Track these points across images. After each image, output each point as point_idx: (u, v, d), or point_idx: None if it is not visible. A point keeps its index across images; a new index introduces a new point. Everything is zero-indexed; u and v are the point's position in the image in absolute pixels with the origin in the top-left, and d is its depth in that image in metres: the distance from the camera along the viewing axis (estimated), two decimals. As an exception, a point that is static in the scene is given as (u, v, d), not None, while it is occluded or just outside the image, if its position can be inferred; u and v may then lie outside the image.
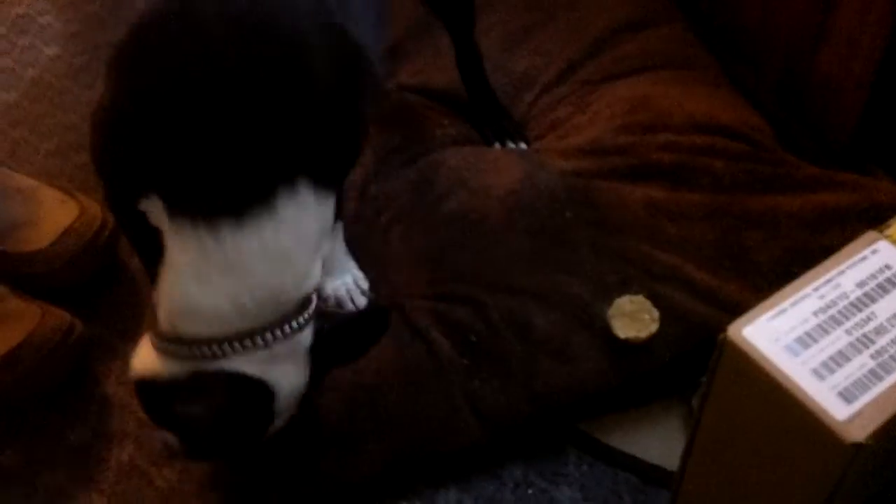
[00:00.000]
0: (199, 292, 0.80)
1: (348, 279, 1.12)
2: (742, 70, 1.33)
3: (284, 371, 0.85)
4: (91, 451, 1.03)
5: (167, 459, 1.01)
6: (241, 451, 0.93)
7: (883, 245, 0.77)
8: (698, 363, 0.81)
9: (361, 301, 1.11)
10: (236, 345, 0.81)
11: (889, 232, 0.78)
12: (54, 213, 1.12)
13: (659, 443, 1.02)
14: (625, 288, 1.07)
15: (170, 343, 0.83)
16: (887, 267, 0.75)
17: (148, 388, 0.86)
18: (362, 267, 1.13)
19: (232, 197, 0.78)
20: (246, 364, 0.83)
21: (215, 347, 0.81)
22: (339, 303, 1.11)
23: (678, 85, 1.29)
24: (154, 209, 0.81)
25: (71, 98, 1.34)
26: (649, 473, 1.01)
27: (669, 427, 1.03)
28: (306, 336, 0.86)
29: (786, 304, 0.73)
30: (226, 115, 0.77)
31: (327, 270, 1.10)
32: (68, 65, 1.37)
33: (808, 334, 0.71)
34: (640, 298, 1.05)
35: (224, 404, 0.83)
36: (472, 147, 1.26)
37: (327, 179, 0.83)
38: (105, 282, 1.15)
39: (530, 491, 1.01)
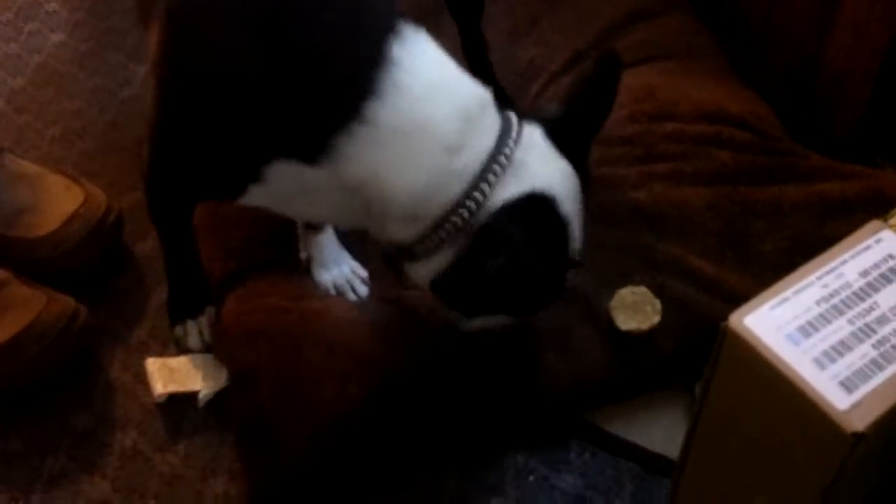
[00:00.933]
0: (411, 176, 0.80)
1: (345, 269, 1.12)
2: (749, 61, 1.33)
3: (541, 174, 0.82)
4: (95, 436, 1.04)
5: (171, 445, 1.02)
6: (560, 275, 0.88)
7: (887, 234, 0.77)
8: (701, 352, 0.81)
9: (363, 289, 1.11)
10: (477, 191, 0.80)
11: (893, 221, 0.78)
12: (59, 200, 1.12)
13: (661, 431, 1.02)
14: (626, 279, 1.07)
15: (432, 235, 0.82)
16: (891, 256, 0.75)
17: (445, 285, 0.85)
18: (361, 258, 1.13)
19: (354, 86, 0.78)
20: (503, 195, 0.81)
21: (465, 205, 0.80)
22: (340, 293, 1.11)
23: (685, 75, 1.28)
24: (283, 178, 0.82)
25: (76, 84, 1.34)
26: (651, 462, 1.01)
27: (671, 416, 1.03)
28: (532, 133, 0.84)
29: (788, 292, 0.73)
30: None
31: (320, 262, 1.11)
32: (74, 51, 1.38)
33: (809, 323, 0.71)
34: (642, 290, 1.04)
35: (522, 233, 0.80)
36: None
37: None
38: (110, 268, 1.15)
39: (531, 478, 1.01)
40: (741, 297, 0.74)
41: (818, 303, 0.72)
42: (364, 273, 1.13)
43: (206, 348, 1.07)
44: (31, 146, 1.27)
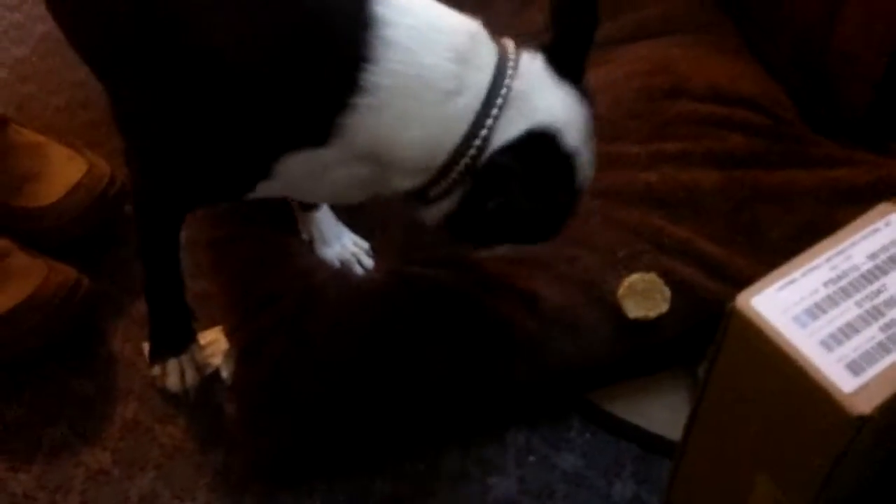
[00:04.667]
0: (417, 130, 0.79)
1: (347, 242, 1.11)
2: (759, 39, 1.31)
3: (543, 108, 0.81)
4: (96, 406, 1.04)
5: (172, 417, 1.02)
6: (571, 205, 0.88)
7: (896, 217, 0.76)
8: (704, 334, 0.80)
9: (368, 262, 1.11)
10: (481, 132, 0.80)
11: (903, 204, 0.77)
12: (63, 169, 1.11)
13: (662, 412, 1.02)
14: (635, 263, 1.06)
15: (441, 180, 0.82)
16: (900, 239, 0.74)
17: (455, 224, 0.86)
18: (364, 232, 1.13)
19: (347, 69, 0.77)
20: (505, 133, 0.80)
21: (471, 145, 0.80)
22: (346, 266, 1.10)
23: (699, 50, 1.27)
24: (293, 168, 0.81)
25: (77, 56, 1.33)
26: (652, 443, 1.01)
27: (673, 397, 1.02)
28: (530, 63, 0.82)
29: (796, 274, 0.72)
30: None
31: (322, 240, 1.10)
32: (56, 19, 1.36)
33: (817, 305, 0.71)
34: (651, 277, 1.03)
35: (521, 172, 0.80)
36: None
37: None
38: (113, 239, 1.15)
39: (532, 458, 1.01)
40: (749, 282, 0.73)
41: (826, 285, 0.72)
42: (366, 245, 1.12)
43: (187, 391, 1.03)
44: (34, 116, 1.26)
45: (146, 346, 1.04)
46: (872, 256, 0.73)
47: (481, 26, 0.83)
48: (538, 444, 1.02)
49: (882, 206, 0.77)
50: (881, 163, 1.16)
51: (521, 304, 1.05)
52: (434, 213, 0.87)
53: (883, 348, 0.69)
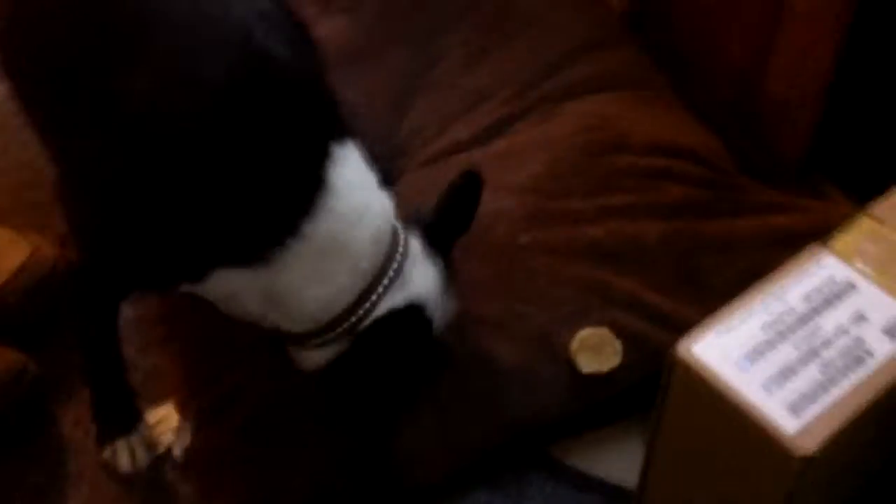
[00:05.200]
0: (321, 288, 0.89)
1: None
2: (695, 91, 1.34)
3: (419, 283, 0.94)
4: (49, 493, 1.01)
5: (124, 500, 1.00)
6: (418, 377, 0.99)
7: (828, 259, 0.78)
8: (658, 382, 0.81)
9: None
10: (370, 300, 0.90)
11: (834, 245, 0.79)
12: (5, 253, 1.10)
13: (621, 462, 1.02)
14: (585, 318, 1.07)
15: (323, 334, 0.91)
16: (832, 280, 0.76)
17: (326, 378, 0.95)
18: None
19: (284, 216, 0.86)
20: (386, 304, 0.91)
21: (359, 311, 0.90)
22: None
23: (638, 105, 1.30)
24: (220, 280, 0.88)
25: (26, 136, 1.31)
26: (612, 493, 1.01)
27: (630, 446, 1.03)
28: (414, 245, 0.95)
29: (734, 320, 0.74)
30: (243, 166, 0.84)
31: None
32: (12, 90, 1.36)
33: (756, 349, 0.72)
34: (603, 331, 1.05)
35: (394, 335, 0.92)
36: (431, 167, 1.26)
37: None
38: (60, 321, 1.13)
39: (494, 516, 1.00)
40: (697, 330, 0.74)
41: (763, 329, 0.73)
42: None
43: (138, 470, 1.01)
44: (-23, 198, 1.25)
45: (94, 428, 1.03)
46: (807, 298, 0.75)
47: (392, 206, 0.94)
48: (500, 501, 1.01)
49: (813, 249, 0.79)
50: (818, 207, 1.19)
51: (474, 363, 1.06)
52: (310, 360, 0.95)
53: (822, 388, 0.70)
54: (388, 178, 1.24)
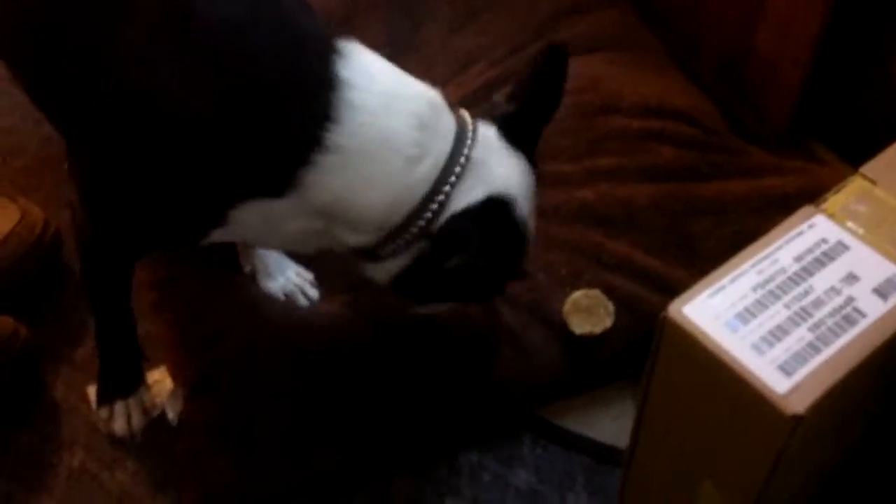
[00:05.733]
0: (374, 192, 0.80)
1: (290, 274, 1.11)
2: (684, 53, 1.34)
3: (499, 174, 0.84)
4: (41, 456, 1.02)
5: (119, 462, 1.00)
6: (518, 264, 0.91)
7: (819, 219, 0.78)
8: (649, 344, 0.81)
9: (313, 292, 1.11)
10: (442, 193, 0.81)
11: (825, 206, 0.79)
12: (-6, 219, 1.10)
13: (611, 423, 1.03)
14: (578, 280, 1.07)
15: (395, 239, 0.82)
16: (823, 241, 0.76)
17: (405, 283, 0.86)
18: (307, 262, 1.13)
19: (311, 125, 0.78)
20: (464, 198, 0.82)
21: (430, 207, 0.81)
22: (291, 298, 1.10)
23: (628, 66, 1.30)
24: (247, 216, 0.81)
25: (9, 102, 1.31)
26: (602, 453, 1.02)
27: (621, 407, 1.04)
28: (487, 132, 0.84)
29: (724, 280, 0.74)
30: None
31: (265, 273, 1.10)
32: (4, 68, 1.35)
33: (747, 310, 0.72)
34: (595, 293, 1.05)
35: (478, 238, 0.82)
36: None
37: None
38: (50, 286, 1.13)
39: (486, 476, 1.01)
40: (688, 292, 0.74)
41: (754, 289, 0.73)
42: (310, 276, 1.12)
43: (133, 434, 1.02)
44: (-36, 166, 1.24)
45: (91, 391, 1.03)
46: (798, 259, 0.75)
47: (440, 94, 0.85)
48: (491, 463, 1.02)
49: (805, 210, 0.79)
50: (809, 168, 1.19)
51: (466, 326, 1.06)
52: (383, 271, 0.87)
53: (813, 348, 0.70)
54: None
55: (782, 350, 0.70)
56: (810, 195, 1.11)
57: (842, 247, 0.75)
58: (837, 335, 0.71)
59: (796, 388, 0.68)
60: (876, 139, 0.86)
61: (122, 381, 1.02)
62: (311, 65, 0.79)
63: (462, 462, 1.02)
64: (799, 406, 0.67)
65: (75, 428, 1.04)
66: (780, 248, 0.76)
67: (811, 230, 0.77)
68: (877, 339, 0.70)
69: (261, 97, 0.77)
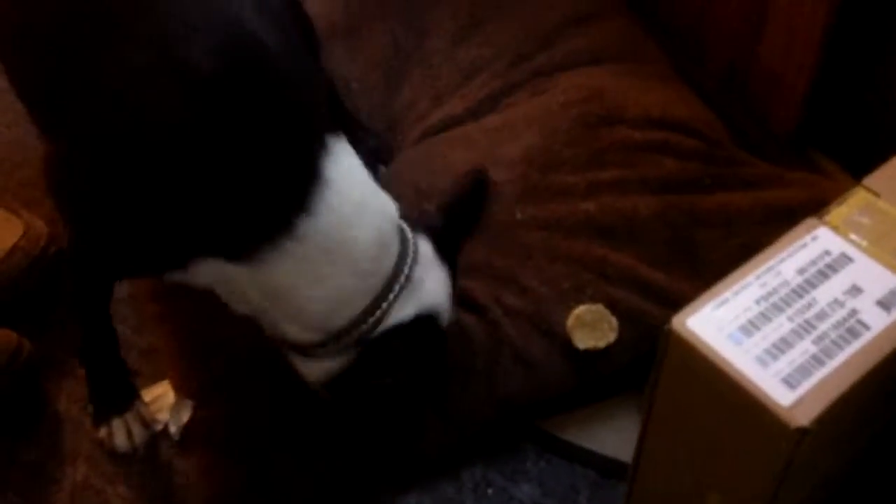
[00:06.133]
0: (322, 290, 0.84)
1: None
2: (688, 64, 1.34)
3: (431, 291, 0.89)
4: (44, 470, 1.02)
5: (122, 477, 1.00)
6: (438, 377, 0.97)
7: (822, 231, 0.78)
8: (653, 357, 0.81)
9: None
10: (380, 308, 0.85)
11: (828, 218, 0.79)
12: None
13: (615, 436, 1.03)
14: (581, 294, 1.07)
15: (328, 344, 0.86)
16: (827, 253, 0.76)
17: (333, 388, 0.91)
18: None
19: (281, 208, 0.81)
20: (397, 314, 0.86)
21: (368, 320, 0.85)
22: None
23: (631, 77, 1.29)
24: (205, 270, 0.83)
25: (15, 114, 1.31)
26: (607, 467, 1.02)
27: (625, 420, 1.03)
28: (425, 249, 0.90)
29: (728, 293, 0.74)
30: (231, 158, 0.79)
31: None
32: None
33: (750, 322, 0.72)
34: (599, 308, 1.05)
35: (406, 351, 0.87)
36: (426, 142, 1.25)
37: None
38: (54, 299, 1.13)
39: (490, 490, 1.01)
40: (693, 306, 0.74)
41: (758, 301, 0.73)
42: None
43: (135, 449, 1.02)
44: (-32, 178, 1.24)
45: (90, 410, 1.03)
46: (801, 271, 0.75)
47: (396, 207, 0.89)
48: (495, 477, 1.02)
49: (808, 222, 0.79)
50: (812, 180, 1.19)
51: (470, 340, 1.06)
52: (314, 371, 0.91)
53: (817, 361, 0.70)
54: (387, 153, 1.24)
55: (786, 363, 0.70)
56: (814, 207, 1.11)
57: (845, 259, 0.75)
58: (841, 347, 0.70)
59: (801, 401, 0.68)
60: (879, 150, 0.85)
61: (113, 397, 1.02)
62: (299, 154, 0.81)
63: (466, 477, 1.02)
64: (804, 419, 0.67)
65: (79, 442, 1.04)
66: (783, 260, 0.76)
67: (814, 242, 0.77)
68: (881, 351, 0.70)
69: (243, 166, 0.79)
